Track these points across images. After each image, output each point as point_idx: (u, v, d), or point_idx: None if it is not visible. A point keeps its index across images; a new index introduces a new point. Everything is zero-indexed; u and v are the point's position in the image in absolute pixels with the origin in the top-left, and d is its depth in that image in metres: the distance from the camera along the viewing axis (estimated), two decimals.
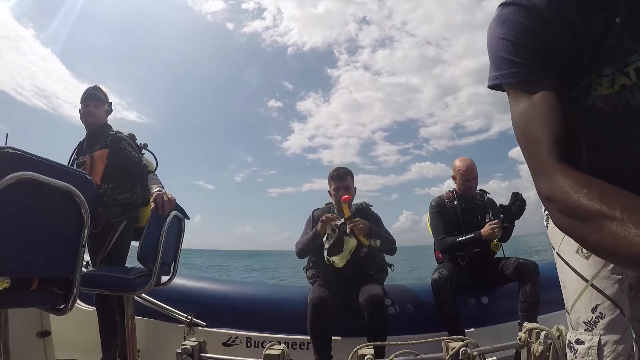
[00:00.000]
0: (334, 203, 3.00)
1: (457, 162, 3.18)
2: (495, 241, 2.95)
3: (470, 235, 2.93)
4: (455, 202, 3.11)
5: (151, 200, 2.28)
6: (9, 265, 1.28)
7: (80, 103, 2.74)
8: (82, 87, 3.55)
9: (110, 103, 2.86)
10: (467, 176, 3.11)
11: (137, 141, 2.83)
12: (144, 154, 2.84)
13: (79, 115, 2.73)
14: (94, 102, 2.73)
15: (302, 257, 2.95)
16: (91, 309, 2.70)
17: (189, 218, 2.41)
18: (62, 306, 1.51)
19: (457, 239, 2.96)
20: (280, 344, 1.66)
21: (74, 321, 2.43)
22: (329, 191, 3.02)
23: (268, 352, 1.59)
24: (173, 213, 2.20)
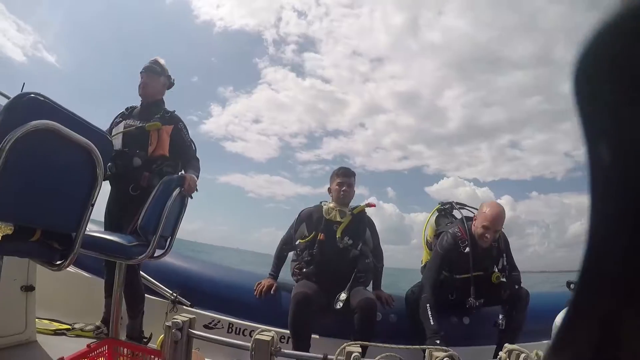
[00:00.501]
0: (332, 200, 3.02)
1: (485, 206, 2.79)
2: (497, 272, 2.80)
3: (434, 327, 2.56)
4: (468, 250, 2.77)
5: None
6: (14, 212, 1.27)
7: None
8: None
9: (170, 77, 2.86)
10: (492, 226, 2.69)
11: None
12: None
13: None
14: (148, 74, 2.75)
15: None
16: (79, 271, 2.68)
17: (192, 197, 2.41)
18: (59, 262, 1.50)
19: (428, 322, 2.57)
20: (270, 331, 1.67)
21: (59, 282, 2.42)
22: (328, 188, 3.06)
23: (258, 337, 1.59)
24: (179, 189, 2.20)
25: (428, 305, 2.62)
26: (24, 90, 2.20)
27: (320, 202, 3.07)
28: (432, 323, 2.56)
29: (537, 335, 2.81)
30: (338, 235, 2.87)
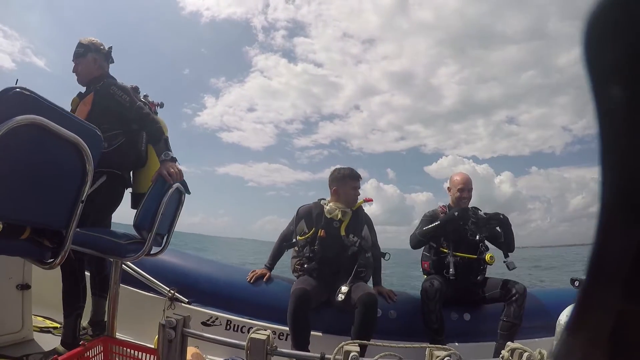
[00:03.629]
0: (336, 201, 2.99)
1: (454, 175, 3.24)
2: (489, 254, 2.97)
3: (436, 223, 3.01)
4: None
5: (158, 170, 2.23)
6: (3, 209, 1.23)
7: None
8: None
9: (99, 49, 2.64)
10: (465, 186, 3.15)
11: (145, 95, 2.73)
12: (157, 113, 2.74)
13: None
14: (74, 60, 2.62)
15: None
16: None
17: (189, 193, 2.37)
18: (50, 260, 1.47)
19: (423, 228, 3.06)
20: (265, 329, 1.64)
21: (54, 279, 2.39)
22: (334, 189, 3.03)
23: (253, 336, 1.57)
24: (175, 185, 2.16)
25: (415, 232, 3.11)
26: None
27: (319, 200, 3.06)
28: (424, 228, 3.05)
29: (540, 331, 2.79)
30: (342, 232, 2.87)
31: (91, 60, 2.60)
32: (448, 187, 3.26)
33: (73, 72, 2.63)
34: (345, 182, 2.99)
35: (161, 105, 2.81)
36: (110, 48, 2.71)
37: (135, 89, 2.65)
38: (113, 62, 2.73)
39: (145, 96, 2.74)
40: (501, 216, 3.06)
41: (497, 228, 3.07)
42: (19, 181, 1.26)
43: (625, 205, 0.25)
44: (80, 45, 2.62)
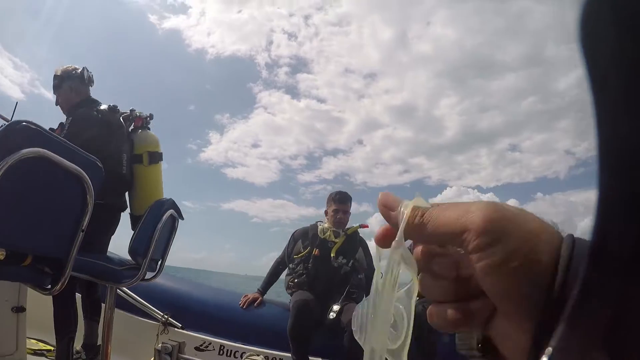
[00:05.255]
0: (328, 222, 3.10)
1: None
2: None
3: None
4: None
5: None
6: (7, 238, 1.29)
7: None
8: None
9: (72, 76, 2.61)
10: None
11: (132, 110, 2.70)
12: (148, 126, 2.72)
13: None
14: (54, 92, 2.62)
15: None
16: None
17: (183, 218, 2.43)
18: (49, 286, 1.52)
19: None
20: (258, 355, 1.68)
21: (49, 302, 2.41)
22: (325, 211, 3.17)
23: None
24: (169, 212, 2.22)
25: None
26: (13, 118, 2.24)
27: (316, 222, 3.16)
28: None
29: None
30: (332, 254, 2.95)
31: (67, 89, 2.61)
32: None
33: (56, 105, 2.64)
34: (329, 204, 3.12)
35: (151, 116, 2.76)
36: (84, 69, 2.65)
37: (113, 109, 2.61)
38: (92, 84, 2.70)
39: (132, 110, 2.72)
40: None
41: None
42: (23, 211, 1.32)
43: (625, 194, 0.24)
44: (55, 77, 2.63)
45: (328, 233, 3.00)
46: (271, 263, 3.21)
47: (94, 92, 2.73)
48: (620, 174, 0.24)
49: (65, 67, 2.65)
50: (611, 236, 0.24)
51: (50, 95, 2.73)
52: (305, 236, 3.07)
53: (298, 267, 2.98)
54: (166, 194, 2.60)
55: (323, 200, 3.28)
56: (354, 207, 3.35)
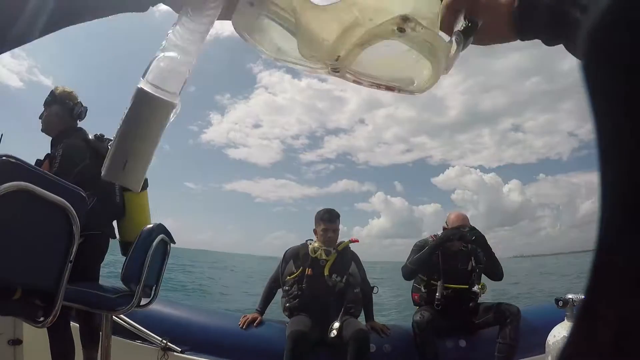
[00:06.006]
0: (317, 240, 3.10)
1: (451, 214, 3.23)
2: (481, 284, 3.02)
3: (425, 251, 3.03)
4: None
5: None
6: None
7: None
8: None
9: (65, 102, 2.56)
10: (462, 225, 3.09)
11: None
12: None
13: None
14: (43, 106, 2.58)
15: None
16: None
17: (174, 242, 2.44)
18: (42, 319, 1.53)
19: (416, 256, 3.06)
20: None
21: (46, 334, 2.41)
22: (314, 230, 3.16)
23: None
24: (160, 237, 2.23)
25: (407, 263, 3.11)
26: None
27: (306, 241, 3.17)
28: (415, 257, 3.06)
29: (530, 350, 2.83)
30: (326, 273, 2.95)
31: (54, 113, 2.56)
32: (444, 227, 3.22)
33: (39, 118, 2.60)
34: (318, 223, 3.11)
35: None
36: (78, 104, 2.63)
37: (100, 138, 2.60)
38: (81, 119, 2.67)
39: None
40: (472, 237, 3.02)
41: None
42: (9, 244, 1.33)
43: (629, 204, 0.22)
44: (51, 93, 2.59)
45: (319, 252, 3.00)
46: (275, 242, 3.19)
47: (89, 99, 2.74)
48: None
49: (65, 90, 2.63)
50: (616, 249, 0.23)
51: (49, 82, 2.68)
52: (297, 256, 3.07)
53: (292, 289, 2.97)
54: (168, 177, 2.59)
55: (325, 179, 3.27)
56: (357, 186, 3.36)
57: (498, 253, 3.16)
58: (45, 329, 2.25)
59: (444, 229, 3.20)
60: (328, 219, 3.08)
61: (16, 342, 2.36)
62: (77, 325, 2.56)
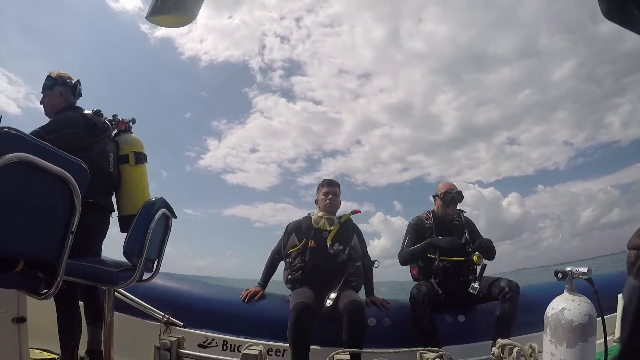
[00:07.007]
0: (320, 208, 3.16)
1: (440, 185, 3.34)
2: (477, 255, 3.04)
3: (422, 244, 3.09)
4: (431, 222, 3.22)
5: None
6: None
7: None
8: None
9: (66, 82, 2.64)
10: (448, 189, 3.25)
11: (120, 117, 2.78)
12: (131, 130, 2.82)
13: None
14: (43, 91, 2.64)
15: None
16: None
17: (176, 217, 2.42)
18: (45, 291, 1.52)
19: (410, 248, 3.12)
20: (257, 345, 1.68)
21: (50, 311, 2.41)
22: (315, 200, 3.23)
23: (246, 351, 1.61)
24: (161, 211, 2.21)
25: (403, 251, 3.15)
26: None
27: (308, 213, 3.18)
28: (411, 248, 3.11)
29: (529, 327, 2.85)
30: (329, 242, 2.97)
31: (57, 93, 2.62)
32: (434, 195, 3.34)
33: (40, 103, 2.65)
34: (319, 190, 3.20)
35: (133, 120, 2.85)
36: (78, 81, 2.71)
37: (97, 112, 2.65)
38: (81, 96, 2.75)
39: (115, 116, 2.78)
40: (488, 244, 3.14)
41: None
42: (11, 216, 1.31)
43: None
44: (48, 77, 2.64)
45: (322, 222, 3.03)
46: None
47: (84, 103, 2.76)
48: None
49: (61, 72, 2.68)
50: None
51: None
52: (299, 229, 3.09)
53: (295, 261, 2.98)
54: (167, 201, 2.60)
55: None
56: (356, 207, 3.41)
57: (500, 268, 3.22)
58: (50, 307, 2.26)
59: (435, 197, 3.33)
60: (328, 183, 3.16)
61: (20, 319, 2.35)
62: (82, 303, 2.59)
